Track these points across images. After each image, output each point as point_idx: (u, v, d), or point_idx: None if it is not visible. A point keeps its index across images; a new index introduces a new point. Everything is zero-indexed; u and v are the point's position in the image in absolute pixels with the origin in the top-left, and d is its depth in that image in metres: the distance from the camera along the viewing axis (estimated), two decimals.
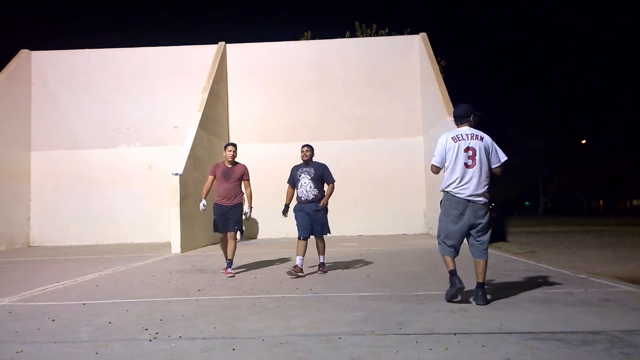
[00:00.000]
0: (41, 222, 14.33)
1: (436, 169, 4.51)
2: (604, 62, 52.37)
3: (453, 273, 4.30)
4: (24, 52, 14.80)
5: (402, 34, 18.82)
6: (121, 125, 14.91)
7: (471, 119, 4.53)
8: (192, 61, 15.16)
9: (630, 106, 37.97)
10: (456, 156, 4.34)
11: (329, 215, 6.43)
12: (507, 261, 7.39)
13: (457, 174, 4.34)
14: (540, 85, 60.72)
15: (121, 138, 14.89)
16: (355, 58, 15.49)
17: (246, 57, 15.58)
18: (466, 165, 4.31)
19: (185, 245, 10.42)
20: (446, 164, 4.42)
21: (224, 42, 15.44)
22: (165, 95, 15.00)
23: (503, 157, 4.45)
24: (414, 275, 6.05)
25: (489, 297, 4.34)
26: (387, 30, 21.59)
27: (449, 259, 4.38)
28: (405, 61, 15.31)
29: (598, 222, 22.23)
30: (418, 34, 15.46)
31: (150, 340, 3.37)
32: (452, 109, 13.70)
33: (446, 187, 4.41)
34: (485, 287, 4.33)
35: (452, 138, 4.41)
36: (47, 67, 15.05)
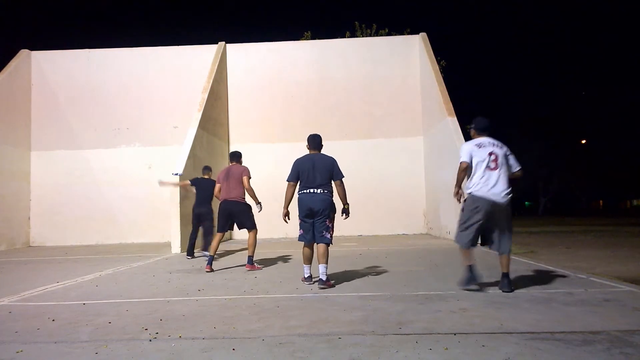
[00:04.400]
0: (41, 222, 14.33)
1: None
2: (604, 61, 52.40)
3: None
4: (24, 52, 14.80)
5: (402, 34, 18.81)
6: (121, 125, 14.92)
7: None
8: (192, 61, 15.17)
9: (630, 106, 37.97)
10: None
11: None
12: None
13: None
14: (540, 85, 60.73)
15: (121, 138, 14.90)
16: (355, 58, 15.49)
17: (246, 57, 15.58)
18: (489, 168, 4.78)
19: (185, 245, 10.39)
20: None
21: (224, 42, 15.44)
22: (165, 95, 15.00)
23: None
24: (414, 275, 6.05)
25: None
26: (387, 30, 21.59)
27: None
28: (405, 61, 15.31)
29: (598, 222, 22.22)
30: (418, 34, 15.47)
31: (150, 340, 3.37)
32: (452, 109, 13.69)
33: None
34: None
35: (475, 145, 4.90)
36: (47, 67, 15.05)
